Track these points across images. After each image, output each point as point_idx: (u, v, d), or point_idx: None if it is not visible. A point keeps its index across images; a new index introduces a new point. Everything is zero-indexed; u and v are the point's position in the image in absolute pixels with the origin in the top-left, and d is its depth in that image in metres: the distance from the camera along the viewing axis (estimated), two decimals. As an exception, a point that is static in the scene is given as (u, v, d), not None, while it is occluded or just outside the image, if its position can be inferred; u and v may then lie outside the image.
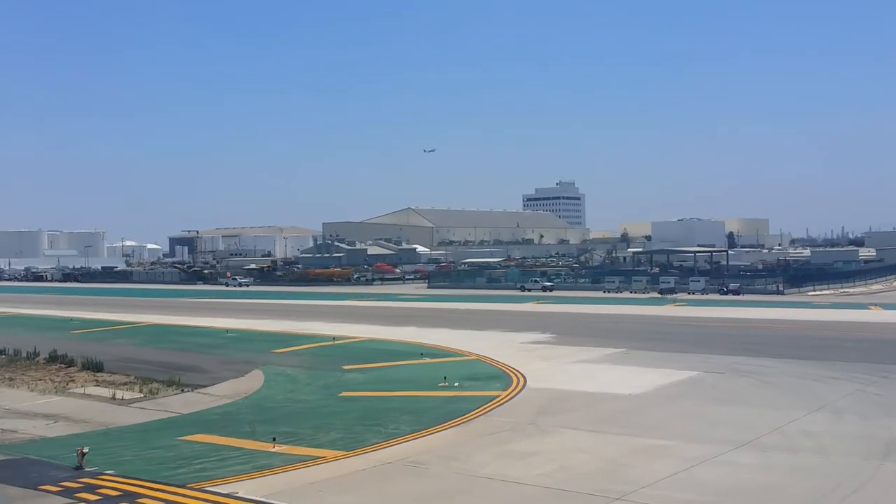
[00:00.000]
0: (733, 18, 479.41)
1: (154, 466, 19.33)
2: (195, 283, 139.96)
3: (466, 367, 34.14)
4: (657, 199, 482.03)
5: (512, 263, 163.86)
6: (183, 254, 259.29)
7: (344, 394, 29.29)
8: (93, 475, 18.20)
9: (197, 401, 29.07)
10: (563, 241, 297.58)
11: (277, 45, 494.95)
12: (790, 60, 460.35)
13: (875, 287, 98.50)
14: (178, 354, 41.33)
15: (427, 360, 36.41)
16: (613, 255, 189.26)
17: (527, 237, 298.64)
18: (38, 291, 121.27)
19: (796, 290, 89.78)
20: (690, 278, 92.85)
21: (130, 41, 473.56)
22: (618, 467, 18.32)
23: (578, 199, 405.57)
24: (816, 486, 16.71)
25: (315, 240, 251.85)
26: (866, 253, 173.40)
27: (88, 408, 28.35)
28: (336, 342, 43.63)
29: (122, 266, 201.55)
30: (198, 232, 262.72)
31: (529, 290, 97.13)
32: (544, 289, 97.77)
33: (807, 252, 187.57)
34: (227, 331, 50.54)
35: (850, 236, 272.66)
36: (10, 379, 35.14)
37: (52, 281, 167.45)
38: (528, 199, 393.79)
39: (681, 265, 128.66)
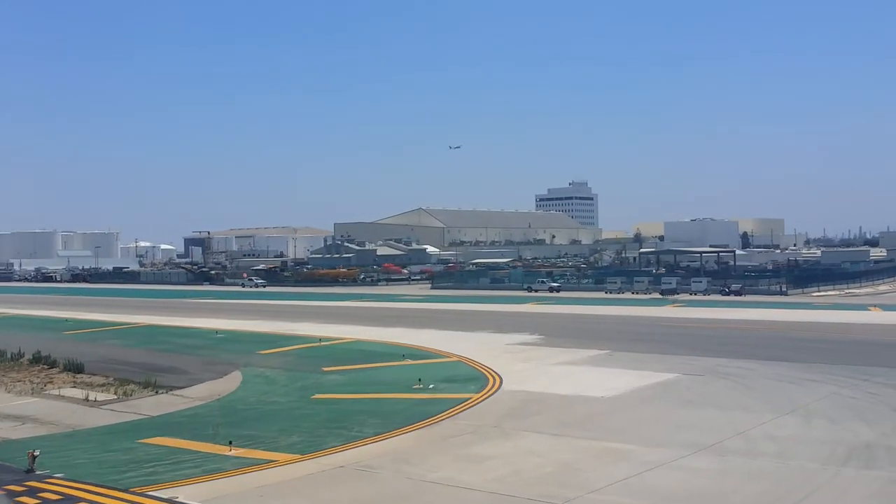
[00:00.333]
0: (750, 17, 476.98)
1: (105, 470, 19.18)
2: (201, 284, 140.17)
3: (446, 369, 33.90)
4: (672, 199, 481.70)
5: (519, 264, 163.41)
6: (195, 255, 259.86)
7: (317, 396, 29.09)
8: (40, 478, 18.07)
9: (169, 403, 28.93)
10: (574, 242, 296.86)
11: (290, 45, 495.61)
12: (808, 60, 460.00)
13: (882, 288, 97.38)
14: (163, 356, 41.23)
15: (409, 361, 36.15)
16: (623, 255, 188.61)
17: (538, 237, 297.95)
18: (44, 292, 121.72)
19: (800, 290, 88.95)
20: (692, 279, 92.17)
21: (144, 43, 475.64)
22: (570, 472, 18.05)
23: (591, 199, 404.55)
24: (767, 491, 16.41)
25: (325, 240, 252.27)
26: (878, 253, 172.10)
27: (59, 409, 28.26)
28: (322, 343, 43.45)
29: (135, 266, 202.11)
30: (209, 233, 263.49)
31: (536, 291, 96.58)
32: (551, 289, 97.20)
33: (817, 252, 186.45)
34: (217, 332, 50.47)
35: (868, 236, 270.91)
36: (-9, 380, 35.13)
37: (61, 281, 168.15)
38: (541, 200, 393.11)
39: (688, 265, 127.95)
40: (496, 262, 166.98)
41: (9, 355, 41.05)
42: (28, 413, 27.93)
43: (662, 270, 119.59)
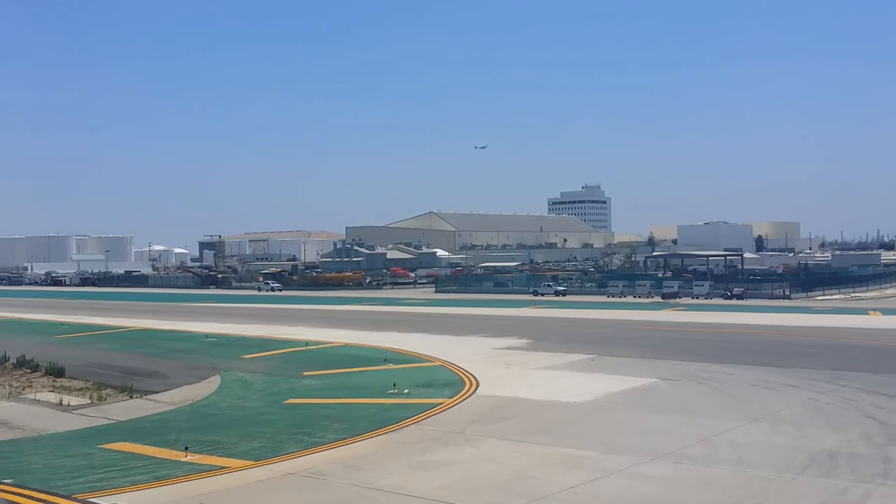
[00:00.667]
0: (764, 17, 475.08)
1: (56, 476, 19.02)
2: (208, 288, 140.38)
3: (426, 374, 33.68)
4: (687, 202, 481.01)
5: (527, 268, 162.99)
6: (209, 259, 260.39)
7: (290, 401, 28.89)
8: (-13, 484, 17.93)
9: (140, 407, 28.77)
10: (587, 245, 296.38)
11: (304, 48, 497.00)
12: (827, 61, 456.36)
13: (889, 291, 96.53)
14: (148, 360, 41.11)
15: (391, 366, 35.95)
16: (633, 259, 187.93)
17: (550, 241, 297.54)
18: (50, 296, 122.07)
19: (804, 294, 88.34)
20: (694, 282, 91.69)
21: (159, 47, 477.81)
22: (522, 479, 17.78)
23: (604, 202, 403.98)
24: (716, 500, 16.14)
25: (335, 244, 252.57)
26: (891, 256, 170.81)
27: (31, 414, 28.12)
28: (309, 347, 43.32)
29: (148, 270, 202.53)
30: (220, 236, 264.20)
31: (542, 295, 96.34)
32: (557, 293, 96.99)
33: (828, 256, 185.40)
34: (207, 336, 50.40)
35: (885, 239, 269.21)
36: (-29, 384, 35.03)
37: (69, 285, 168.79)
38: (554, 203, 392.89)
39: (695, 269, 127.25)
40: (504, 266, 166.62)
41: (-6, 359, 41.01)
42: (-1, 417, 27.82)
43: (669, 274, 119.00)
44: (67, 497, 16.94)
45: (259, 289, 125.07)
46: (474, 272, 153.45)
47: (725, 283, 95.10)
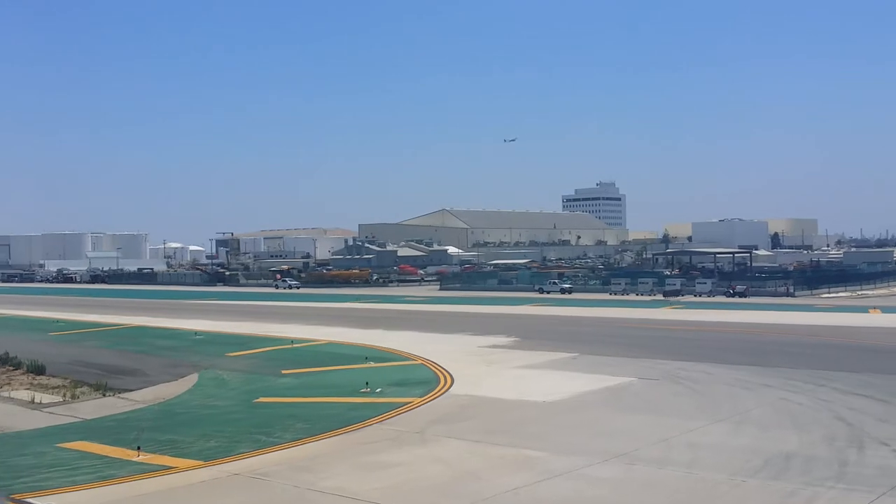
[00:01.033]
0: (781, 14, 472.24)
1: (3, 475, 18.90)
2: (215, 285, 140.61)
3: (404, 372, 33.42)
4: (703, 199, 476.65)
5: (535, 265, 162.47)
6: (222, 256, 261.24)
7: (260, 400, 28.70)
8: (-68, 484, 17.81)
9: (111, 405, 28.69)
10: (600, 242, 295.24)
11: (316, 48, 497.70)
12: (844, 58, 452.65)
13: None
14: (133, 357, 41.07)
15: (371, 364, 35.69)
16: (644, 256, 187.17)
17: (563, 238, 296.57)
18: (58, 293, 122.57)
19: (809, 292, 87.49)
20: (696, 280, 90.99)
21: (175, 47, 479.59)
22: (466, 481, 17.49)
23: (619, 199, 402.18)
24: (659, 503, 15.78)
25: (346, 241, 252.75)
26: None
27: (1, 412, 28.10)
28: (294, 346, 43.13)
29: (163, 268, 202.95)
30: (232, 234, 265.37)
31: (548, 292, 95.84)
32: (562, 291, 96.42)
33: (840, 253, 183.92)
34: (197, 333, 50.30)
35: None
36: (-49, 381, 35.11)
37: (80, 282, 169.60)
38: (568, 200, 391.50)
39: (703, 266, 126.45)
40: (513, 263, 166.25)
41: (-23, 357, 41.08)
42: (-32, 415, 27.80)
43: (676, 271, 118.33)
44: (7, 497, 16.78)
45: (276, 286, 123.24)
46: (484, 269, 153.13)
47: (734, 280, 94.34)
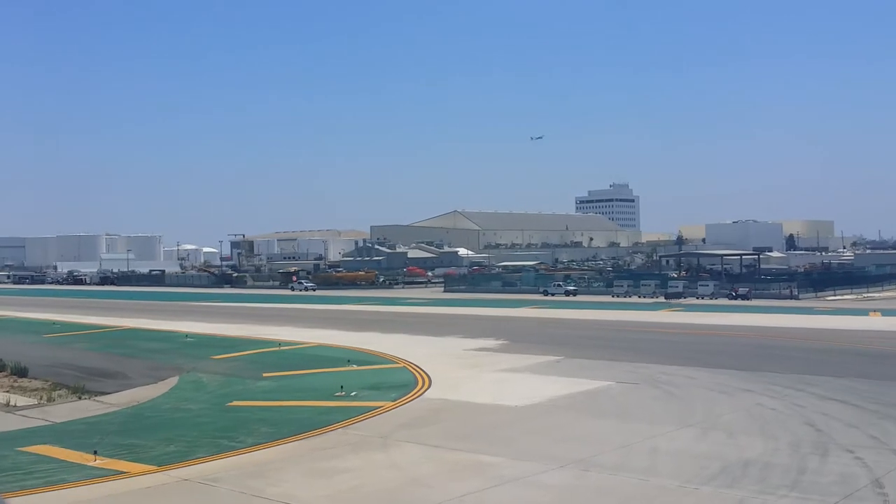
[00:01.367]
0: (797, 13, 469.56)
1: (-46, 479, 18.76)
2: (222, 287, 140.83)
3: (383, 376, 33.20)
4: (720, 201, 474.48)
5: (543, 267, 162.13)
6: (235, 257, 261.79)
7: (233, 403, 28.51)
8: None
9: (84, 408, 28.52)
10: (613, 244, 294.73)
11: (327, 48, 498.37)
12: (860, 60, 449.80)
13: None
14: (119, 360, 40.97)
15: (353, 367, 35.48)
16: (654, 258, 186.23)
17: (576, 240, 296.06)
18: (64, 294, 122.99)
19: (814, 294, 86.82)
20: (699, 282, 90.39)
21: (189, 48, 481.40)
22: (414, 487, 17.25)
23: (632, 201, 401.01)
24: (603, 511, 15.51)
25: (356, 243, 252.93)
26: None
27: (-27, 415, 27.98)
28: (282, 348, 42.96)
29: (176, 269, 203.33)
30: (244, 235, 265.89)
31: (553, 295, 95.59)
32: (567, 293, 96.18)
33: (850, 255, 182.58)
34: (187, 336, 50.25)
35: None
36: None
37: (89, 284, 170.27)
38: (581, 202, 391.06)
39: (710, 269, 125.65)
40: (522, 265, 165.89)
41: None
42: (-57, 418, 27.68)
43: (684, 273, 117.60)
44: (-51, 502, 16.62)
45: (292, 288, 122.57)
46: (492, 271, 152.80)
47: (742, 282, 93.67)
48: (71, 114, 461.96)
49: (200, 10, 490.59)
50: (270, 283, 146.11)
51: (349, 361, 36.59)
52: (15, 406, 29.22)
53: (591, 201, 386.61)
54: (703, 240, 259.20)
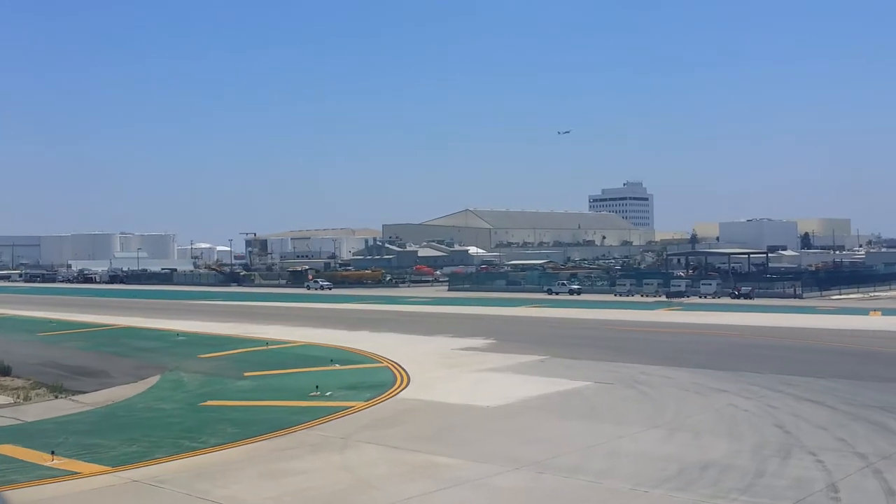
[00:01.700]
0: (812, 15, 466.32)
1: None
2: (229, 286, 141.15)
3: (363, 375, 32.99)
4: (736, 199, 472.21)
5: (551, 265, 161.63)
6: (247, 256, 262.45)
7: (207, 403, 28.37)
8: None
9: (59, 408, 28.42)
10: (626, 243, 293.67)
11: (339, 50, 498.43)
12: (877, 58, 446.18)
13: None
14: (105, 358, 40.90)
15: (336, 366, 35.31)
16: (664, 257, 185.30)
17: (588, 239, 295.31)
18: (71, 293, 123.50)
19: (819, 293, 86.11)
20: (701, 281, 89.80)
21: (201, 47, 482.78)
22: (362, 489, 17.03)
23: (646, 199, 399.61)
24: (547, 514, 15.26)
25: (366, 242, 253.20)
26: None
27: (-53, 414, 27.94)
28: (269, 347, 42.85)
29: (189, 268, 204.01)
30: (255, 234, 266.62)
31: (557, 294, 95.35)
32: (570, 292, 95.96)
33: (861, 253, 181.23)
34: (179, 334, 50.24)
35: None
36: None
37: (99, 283, 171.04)
38: (595, 200, 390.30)
39: (718, 267, 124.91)
40: (531, 264, 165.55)
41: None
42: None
43: (691, 272, 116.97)
44: None
45: (308, 287, 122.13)
46: (500, 270, 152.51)
47: (747, 281, 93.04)
48: (87, 114, 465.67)
49: (213, 10, 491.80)
50: (279, 281, 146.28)
51: (332, 361, 36.41)
52: (-10, 405, 29.16)
53: (605, 200, 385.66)
54: (717, 238, 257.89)
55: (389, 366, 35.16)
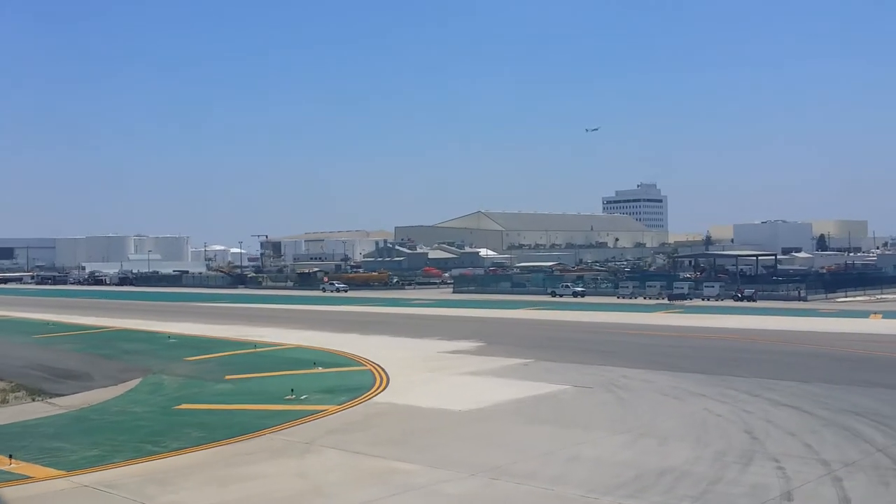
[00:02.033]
0: (828, 13, 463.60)
1: None
2: (236, 288, 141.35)
3: (342, 378, 32.81)
4: (751, 201, 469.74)
5: (559, 267, 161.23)
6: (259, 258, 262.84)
7: (180, 406, 28.19)
8: None
9: (31, 411, 28.29)
10: (639, 245, 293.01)
11: (345, 48, 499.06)
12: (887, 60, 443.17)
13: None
14: (92, 360, 40.76)
15: (319, 369, 35.14)
16: (675, 259, 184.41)
17: (601, 241, 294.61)
18: (78, 295, 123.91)
19: (824, 295, 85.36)
20: (704, 284, 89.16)
21: (217, 49, 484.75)
22: (312, 496, 16.83)
23: (660, 201, 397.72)
24: (492, 522, 14.99)
25: (377, 244, 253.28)
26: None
27: (-80, 417, 27.88)
28: (257, 349, 42.74)
29: (202, 270, 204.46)
30: (267, 236, 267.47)
31: (560, 296, 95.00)
32: (574, 294, 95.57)
33: (874, 255, 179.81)
34: (170, 337, 50.19)
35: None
36: None
37: (109, 285, 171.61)
38: (608, 202, 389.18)
39: (727, 269, 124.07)
40: (540, 266, 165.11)
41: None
42: None
43: (697, 275, 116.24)
44: None
45: (323, 289, 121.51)
46: (509, 272, 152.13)
47: (754, 284, 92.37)
48: (104, 118, 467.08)
49: (227, 13, 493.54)
50: (286, 283, 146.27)
51: (315, 364, 36.23)
52: (-35, 408, 29.07)
53: (619, 202, 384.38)
54: (732, 240, 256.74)
55: (372, 369, 34.96)
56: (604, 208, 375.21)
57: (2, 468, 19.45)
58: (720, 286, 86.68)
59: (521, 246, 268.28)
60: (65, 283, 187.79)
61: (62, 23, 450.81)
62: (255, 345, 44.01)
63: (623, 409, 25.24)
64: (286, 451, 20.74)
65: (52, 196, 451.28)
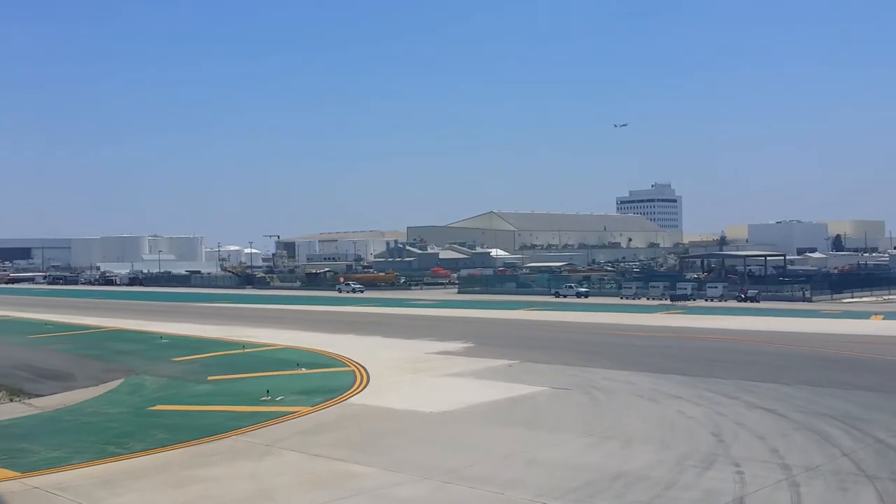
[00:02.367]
0: (843, 13, 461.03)
1: None
2: (244, 288, 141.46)
3: (325, 379, 32.67)
4: (767, 201, 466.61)
5: (567, 268, 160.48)
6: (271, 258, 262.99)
7: (155, 407, 28.10)
8: None
9: (8, 411, 28.20)
10: (652, 245, 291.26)
11: (353, 49, 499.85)
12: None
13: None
14: (79, 361, 40.74)
15: (302, 370, 35.02)
16: (685, 259, 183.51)
17: (614, 241, 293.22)
18: (84, 295, 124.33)
19: (830, 296, 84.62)
20: (707, 284, 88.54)
21: (230, 50, 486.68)
22: (259, 499, 16.68)
23: (674, 201, 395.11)
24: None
25: (388, 244, 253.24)
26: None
27: None
28: (245, 350, 42.67)
29: (215, 270, 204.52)
30: (279, 237, 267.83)
31: (564, 297, 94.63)
32: (578, 295, 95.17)
33: (887, 256, 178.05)
34: (162, 337, 50.18)
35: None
36: None
37: (119, 285, 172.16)
38: (622, 202, 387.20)
39: (736, 270, 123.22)
40: (550, 266, 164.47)
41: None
42: None
43: (705, 275, 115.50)
44: None
45: (339, 290, 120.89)
46: (518, 272, 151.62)
47: (760, 284, 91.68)
48: (121, 119, 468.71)
49: (239, 14, 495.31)
50: (297, 284, 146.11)
51: (298, 365, 36.15)
52: (-58, 408, 29.05)
53: (633, 202, 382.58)
54: (747, 240, 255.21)
55: (355, 370, 34.81)
56: (617, 208, 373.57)
57: (-40, 470, 19.38)
58: (723, 286, 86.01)
59: (533, 246, 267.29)
60: (76, 283, 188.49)
61: (74, 24, 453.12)
62: (244, 346, 43.93)
63: (596, 411, 24.99)
64: (245, 453, 20.59)
65: (69, 197, 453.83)
